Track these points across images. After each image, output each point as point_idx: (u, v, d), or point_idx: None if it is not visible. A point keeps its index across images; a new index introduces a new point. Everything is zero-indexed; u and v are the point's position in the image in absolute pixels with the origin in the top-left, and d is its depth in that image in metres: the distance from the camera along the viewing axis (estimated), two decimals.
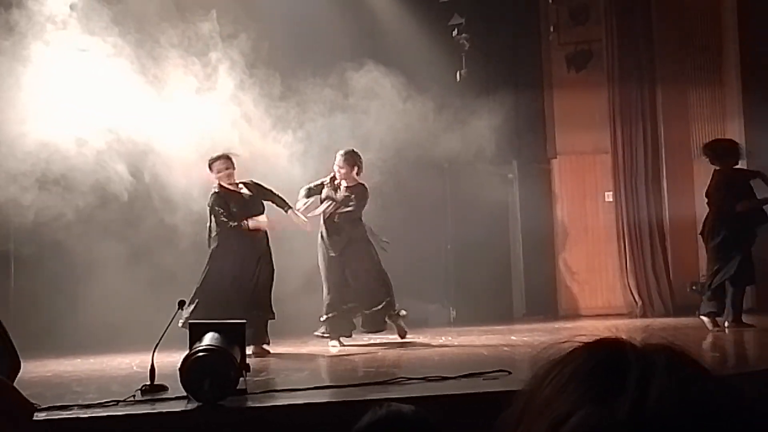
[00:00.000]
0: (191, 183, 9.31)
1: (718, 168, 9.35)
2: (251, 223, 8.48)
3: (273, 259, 8.72)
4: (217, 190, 8.57)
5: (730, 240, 8.99)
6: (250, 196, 8.66)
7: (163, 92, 9.61)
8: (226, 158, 8.63)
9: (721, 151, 9.36)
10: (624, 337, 0.84)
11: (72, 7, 9.39)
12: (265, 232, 8.72)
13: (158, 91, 9.60)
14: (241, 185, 8.70)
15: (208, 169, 8.66)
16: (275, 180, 9.21)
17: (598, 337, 0.85)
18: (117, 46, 9.45)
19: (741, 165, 9.58)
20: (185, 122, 9.53)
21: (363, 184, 9.15)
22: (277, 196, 8.81)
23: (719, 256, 9.06)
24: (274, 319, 8.60)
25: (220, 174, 8.54)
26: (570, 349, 0.84)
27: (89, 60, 9.42)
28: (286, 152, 9.74)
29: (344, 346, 8.79)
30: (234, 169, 8.64)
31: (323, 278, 8.97)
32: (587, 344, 0.84)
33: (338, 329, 8.90)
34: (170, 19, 9.77)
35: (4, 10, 9.18)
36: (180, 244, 9.51)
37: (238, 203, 8.56)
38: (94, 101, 9.39)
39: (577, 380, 0.80)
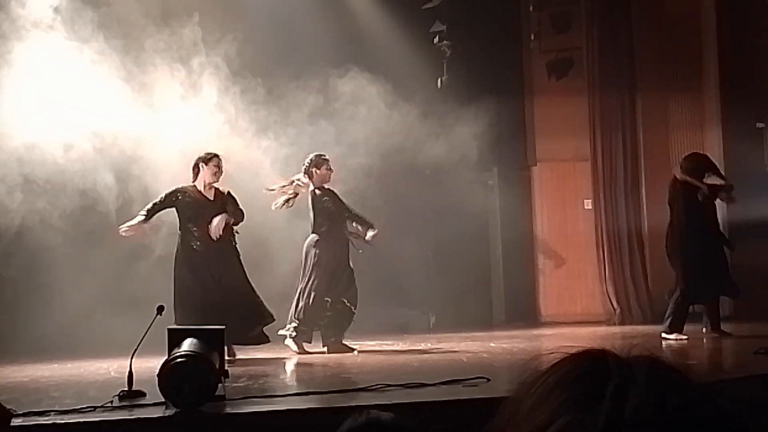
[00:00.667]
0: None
1: (679, 179, 9.37)
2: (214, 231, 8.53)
3: (241, 261, 8.70)
4: (182, 187, 8.62)
5: (697, 252, 9.05)
6: (213, 201, 8.66)
7: (148, 99, 9.61)
8: (220, 159, 8.70)
9: (696, 165, 9.41)
10: (608, 347, 0.85)
11: (56, 10, 9.34)
12: (231, 235, 8.70)
13: (144, 98, 9.59)
14: (214, 190, 8.71)
15: (201, 165, 8.60)
16: (258, 186, 9.24)
17: (583, 348, 0.86)
18: (103, 53, 9.44)
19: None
20: (171, 129, 9.54)
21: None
22: (239, 210, 8.75)
23: (685, 269, 9.10)
24: (268, 320, 8.62)
25: (214, 170, 8.58)
26: (556, 360, 0.85)
27: (74, 65, 9.39)
28: (268, 158, 9.74)
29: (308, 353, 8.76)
30: (221, 172, 8.70)
31: (311, 282, 8.91)
32: (572, 355, 0.85)
33: (305, 336, 8.88)
34: (155, 25, 9.76)
35: None
36: (161, 250, 9.48)
37: (202, 205, 8.57)
38: (79, 106, 9.38)
39: (560, 389, 0.81)
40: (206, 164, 8.59)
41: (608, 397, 0.78)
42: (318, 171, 8.99)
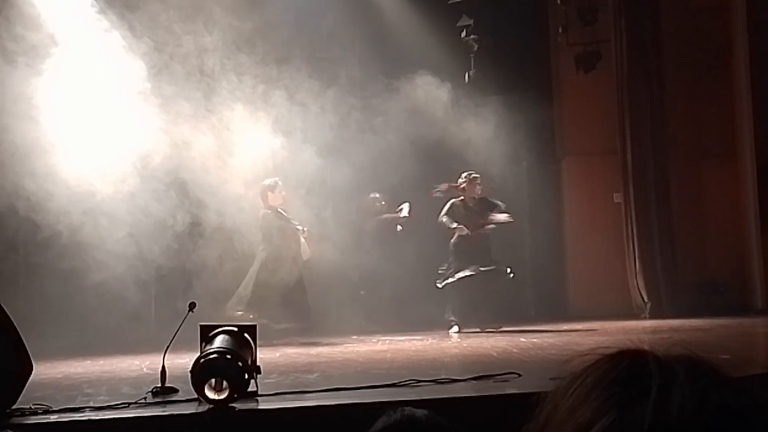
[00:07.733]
0: (244, 213, 9.72)
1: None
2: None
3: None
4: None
5: None
6: None
7: (214, 124, 9.81)
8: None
9: None
10: (639, 341, 0.86)
11: (111, 36, 9.49)
12: None
13: (209, 123, 9.77)
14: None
15: (269, 192, 9.76)
16: (315, 195, 10.03)
17: (619, 348, 0.86)
18: (172, 82, 9.62)
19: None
20: (237, 152, 9.84)
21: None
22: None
23: None
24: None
25: (284, 194, 9.79)
26: (592, 360, 0.85)
27: (142, 94, 9.57)
28: (328, 172, 10.27)
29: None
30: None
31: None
32: (609, 355, 0.86)
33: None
34: (220, 51, 9.91)
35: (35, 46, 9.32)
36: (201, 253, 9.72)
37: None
38: (146, 131, 9.57)
39: (600, 388, 0.81)
40: (273, 191, 9.73)
41: (653, 396, 0.78)
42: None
